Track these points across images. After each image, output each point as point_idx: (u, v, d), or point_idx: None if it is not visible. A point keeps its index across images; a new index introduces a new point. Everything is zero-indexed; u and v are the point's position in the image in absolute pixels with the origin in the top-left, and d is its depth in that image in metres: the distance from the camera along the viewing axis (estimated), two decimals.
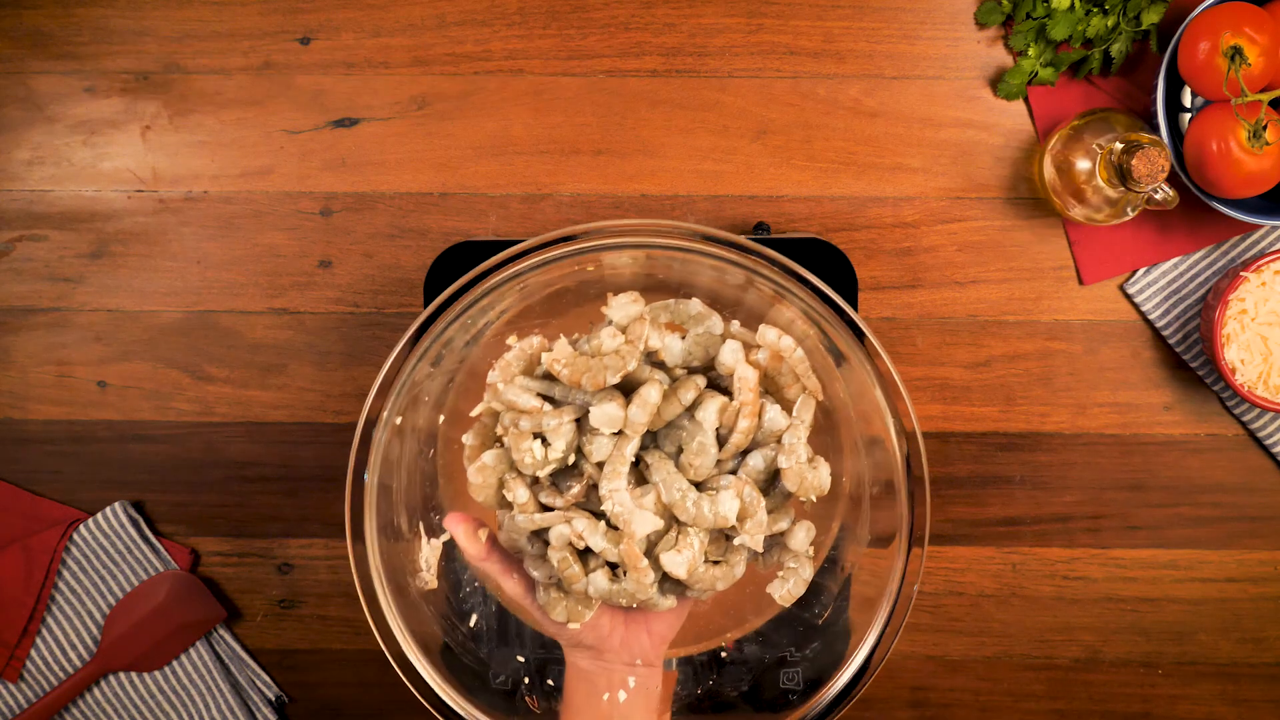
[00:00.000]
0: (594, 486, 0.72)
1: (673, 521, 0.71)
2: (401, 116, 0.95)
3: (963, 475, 0.96)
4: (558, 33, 0.95)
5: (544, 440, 0.71)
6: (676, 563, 0.70)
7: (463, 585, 0.80)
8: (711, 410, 0.71)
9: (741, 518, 0.71)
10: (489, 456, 0.73)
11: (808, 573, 0.75)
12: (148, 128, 0.96)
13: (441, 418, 0.80)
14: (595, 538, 0.70)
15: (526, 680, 0.78)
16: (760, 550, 0.73)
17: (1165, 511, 0.96)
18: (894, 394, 0.72)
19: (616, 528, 0.70)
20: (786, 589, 0.75)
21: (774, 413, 0.72)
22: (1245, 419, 0.95)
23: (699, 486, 0.72)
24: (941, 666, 0.97)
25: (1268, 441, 0.95)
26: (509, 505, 0.74)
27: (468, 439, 0.75)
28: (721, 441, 0.72)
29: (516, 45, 0.95)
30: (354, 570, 0.71)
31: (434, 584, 0.76)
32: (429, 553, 0.76)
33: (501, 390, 0.72)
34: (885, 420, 0.73)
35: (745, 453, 0.74)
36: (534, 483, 0.73)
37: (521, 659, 0.79)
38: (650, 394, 0.70)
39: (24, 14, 0.95)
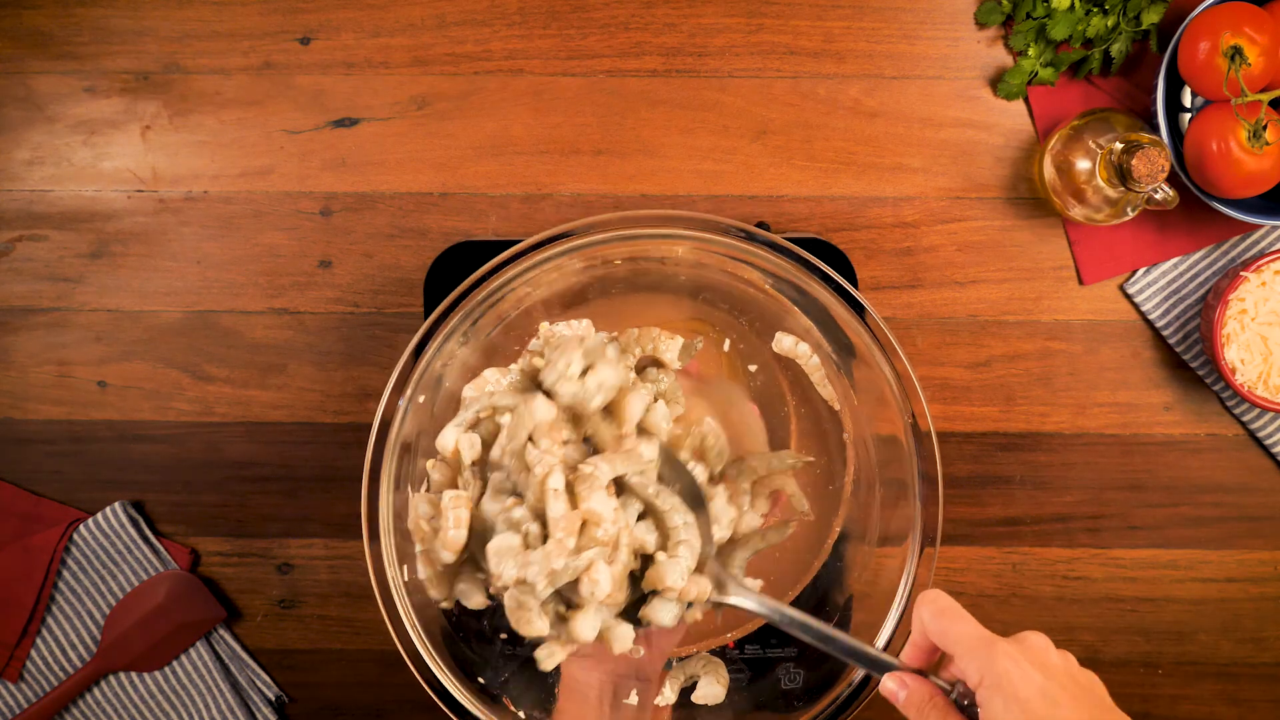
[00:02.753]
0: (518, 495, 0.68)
1: (614, 543, 0.67)
2: (401, 116, 0.95)
3: (963, 475, 0.96)
4: (558, 33, 0.95)
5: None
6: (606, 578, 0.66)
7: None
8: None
9: (668, 589, 0.67)
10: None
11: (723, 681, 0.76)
12: (148, 128, 0.95)
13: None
14: (558, 476, 0.65)
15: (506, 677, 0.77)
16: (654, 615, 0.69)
17: (1165, 511, 0.96)
18: (911, 394, 0.72)
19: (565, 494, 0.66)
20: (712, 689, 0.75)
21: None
22: (1245, 419, 0.95)
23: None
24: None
25: (1268, 441, 0.95)
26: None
27: (469, 390, 0.73)
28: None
29: (516, 45, 0.95)
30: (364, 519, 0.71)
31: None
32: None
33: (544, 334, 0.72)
34: (900, 419, 0.73)
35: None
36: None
37: (509, 653, 0.78)
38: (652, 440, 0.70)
39: (24, 14, 0.95)
